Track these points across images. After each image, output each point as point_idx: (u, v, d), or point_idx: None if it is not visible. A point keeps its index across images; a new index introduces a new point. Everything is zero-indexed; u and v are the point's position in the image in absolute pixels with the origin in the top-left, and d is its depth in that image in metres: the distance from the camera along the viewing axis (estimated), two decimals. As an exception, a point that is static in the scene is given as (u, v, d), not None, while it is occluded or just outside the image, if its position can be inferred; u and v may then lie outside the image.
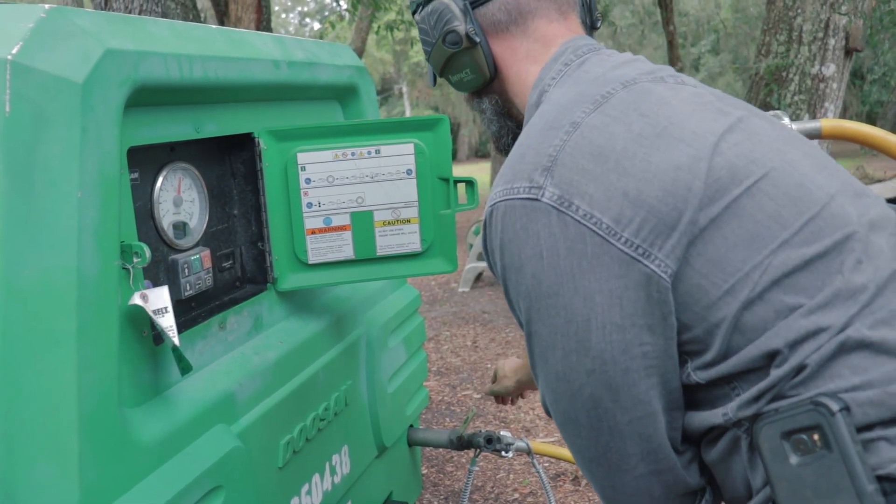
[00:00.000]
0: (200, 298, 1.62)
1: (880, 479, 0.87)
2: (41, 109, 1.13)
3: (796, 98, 5.19)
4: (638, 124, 1.01)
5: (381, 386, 2.11)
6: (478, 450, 2.36)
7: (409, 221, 1.81)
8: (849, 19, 4.95)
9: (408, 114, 27.21)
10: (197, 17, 5.09)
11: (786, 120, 1.88)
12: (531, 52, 1.21)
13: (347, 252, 1.80)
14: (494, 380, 2.08)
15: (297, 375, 1.73)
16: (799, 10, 5.14)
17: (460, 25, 1.21)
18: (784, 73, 5.22)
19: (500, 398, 2.11)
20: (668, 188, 0.95)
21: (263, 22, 5.45)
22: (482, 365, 5.04)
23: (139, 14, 4.67)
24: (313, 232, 1.78)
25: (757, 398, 0.94)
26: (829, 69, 5.08)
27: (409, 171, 1.79)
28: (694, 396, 1.03)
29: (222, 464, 1.39)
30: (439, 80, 1.36)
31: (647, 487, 1.04)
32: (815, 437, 0.88)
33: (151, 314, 1.31)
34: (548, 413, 1.10)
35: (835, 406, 0.88)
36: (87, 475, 1.15)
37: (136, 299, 1.31)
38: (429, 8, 1.25)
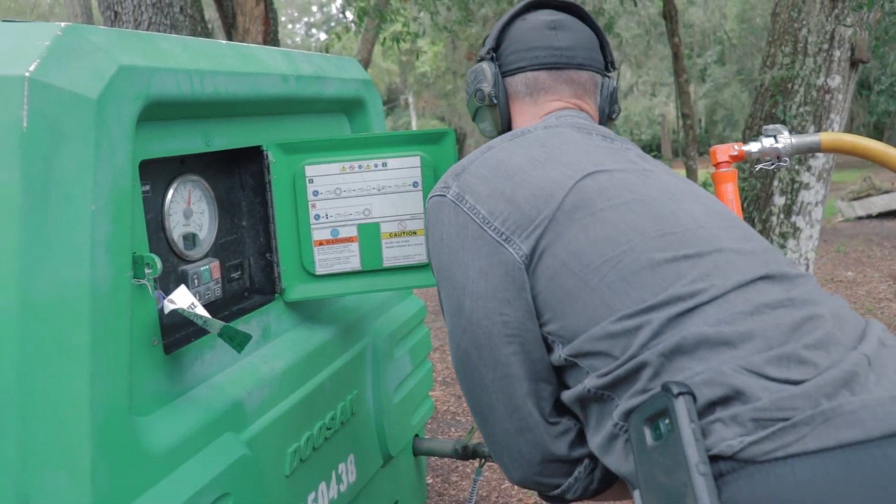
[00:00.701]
0: (209, 308, 1.64)
1: (715, 458, 0.97)
2: (57, 125, 1.16)
3: (801, 110, 5.20)
4: (537, 152, 1.29)
5: (387, 396, 2.13)
6: (483, 460, 2.38)
7: (415, 233, 1.83)
8: (854, 31, 4.97)
9: (414, 124, 27.27)
10: (205, 29, 5.13)
11: (785, 133, 1.90)
12: (533, 116, 1.49)
13: (354, 263, 1.83)
14: None
15: (304, 385, 1.75)
16: (804, 22, 5.16)
17: (488, 87, 1.49)
18: (789, 85, 5.24)
19: None
20: (536, 193, 1.21)
21: (271, 33, 5.49)
22: (488, 375, 5.04)
23: (148, 26, 4.72)
24: (321, 243, 1.80)
25: (604, 375, 1.11)
26: (835, 80, 5.09)
27: (415, 184, 1.81)
28: (564, 376, 1.23)
29: (230, 471, 1.41)
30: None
31: (516, 444, 1.25)
32: (667, 421, 0.98)
33: (189, 311, 1.35)
34: None
35: (675, 389, 0.98)
36: (99, 482, 1.17)
37: (168, 305, 1.34)
38: (475, 66, 1.54)
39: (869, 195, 10.96)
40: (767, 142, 1.90)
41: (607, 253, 1.14)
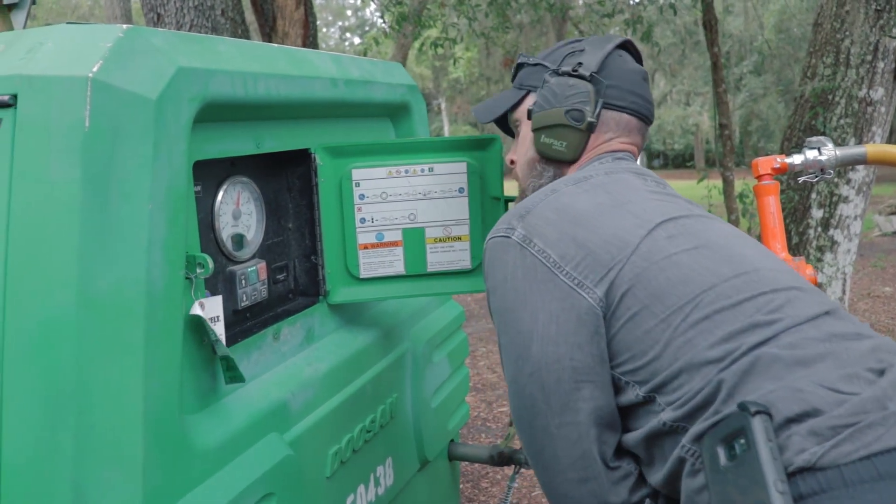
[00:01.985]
0: (255, 309, 1.66)
1: (794, 473, 0.99)
2: (117, 125, 1.18)
3: (842, 122, 5.13)
4: (603, 198, 1.30)
5: (426, 400, 2.14)
6: (518, 466, 2.37)
7: (459, 239, 1.84)
8: (898, 42, 4.89)
9: (446, 129, 27.31)
10: (246, 32, 5.18)
11: (829, 145, 1.88)
12: (597, 150, 1.46)
13: (398, 267, 1.83)
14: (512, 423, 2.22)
15: (346, 387, 1.76)
16: (847, 33, 5.10)
17: (590, 112, 1.43)
18: (830, 97, 5.17)
19: None
20: (608, 239, 1.22)
21: (310, 37, 5.53)
22: (518, 382, 5.04)
23: (189, 29, 4.77)
24: (366, 247, 1.81)
25: (684, 405, 1.13)
26: (878, 93, 5.02)
27: (461, 190, 1.82)
28: (634, 415, 1.23)
29: (275, 472, 1.42)
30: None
31: (577, 494, 1.24)
32: (742, 441, 1.01)
33: (209, 322, 1.35)
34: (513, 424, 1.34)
35: (753, 408, 1.01)
36: (150, 478, 1.19)
37: (196, 309, 1.35)
38: (570, 81, 1.44)
39: (907, 210, 10.80)
40: (811, 154, 1.88)
41: (688, 294, 1.17)
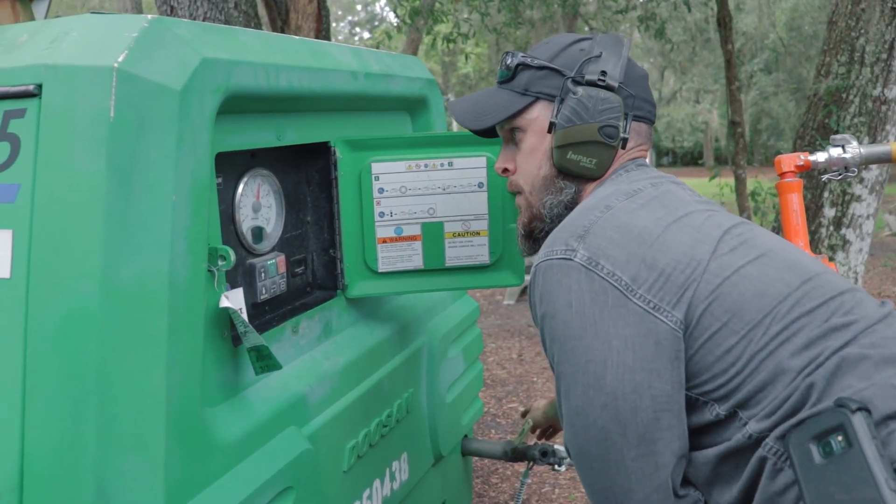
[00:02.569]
0: (274, 302, 1.65)
1: None
2: (142, 115, 1.17)
3: (856, 120, 5.10)
4: (660, 213, 1.24)
5: (440, 395, 2.13)
6: (531, 462, 2.36)
7: (478, 234, 1.83)
8: (914, 41, 4.86)
9: (455, 125, 27.26)
10: (258, 25, 5.17)
11: (853, 143, 1.86)
12: (618, 161, 1.38)
13: (417, 262, 1.83)
14: (524, 415, 2.28)
15: (363, 381, 1.75)
16: (862, 31, 5.06)
17: (622, 127, 1.34)
18: (844, 95, 5.14)
19: (533, 429, 2.27)
20: (678, 258, 1.17)
21: (323, 31, 5.52)
22: (528, 378, 5.03)
23: (202, 21, 4.77)
24: (384, 241, 1.81)
25: (771, 414, 1.11)
26: (892, 91, 4.99)
27: (480, 184, 1.81)
28: (705, 434, 1.19)
29: (294, 466, 1.42)
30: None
31: None
32: (839, 438, 1.00)
33: (237, 315, 1.35)
34: (569, 454, 1.25)
35: (853, 405, 1.00)
36: (172, 470, 1.18)
37: (224, 301, 1.35)
38: (601, 94, 1.33)
39: (918, 209, 10.75)
40: (835, 151, 1.86)
41: (765, 307, 1.15)
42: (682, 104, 25.50)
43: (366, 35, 29.43)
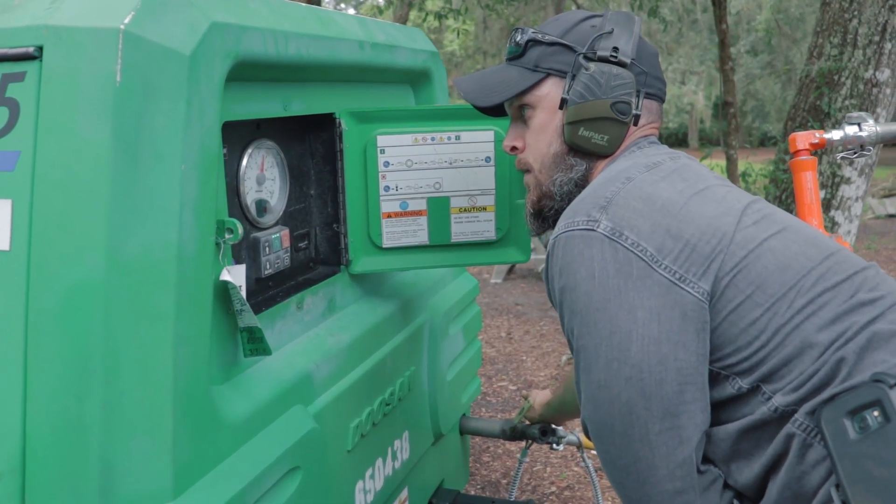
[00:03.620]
0: (277, 278, 1.61)
1: None
2: (150, 80, 1.12)
3: (847, 102, 5.09)
4: (681, 185, 1.22)
5: (441, 373, 2.10)
6: (529, 441, 2.35)
7: (484, 209, 1.79)
8: (908, 23, 4.85)
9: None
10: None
11: (870, 121, 1.84)
12: (630, 138, 1.36)
13: (422, 237, 1.79)
14: (526, 397, 2.31)
15: (367, 359, 1.72)
16: (855, 13, 5.04)
17: (635, 103, 1.32)
18: (836, 77, 5.13)
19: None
20: (703, 229, 1.15)
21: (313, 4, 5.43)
22: (517, 356, 5.02)
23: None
24: (389, 216, 1.76)
25: (798, 387, 1.09)
26: (884, 74, 4.98)
27: (487, 159, 1.77)
28: (726, 409, 1.17)
29: (301, 445, 1.38)
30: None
31: None
32: (876, 413, 0.98)
33: (236, 292, 1.30)
34: (586, 432, 1.22)
35: (892, 379, 0.98)
36: (180, 450, 1.14)
37: (225, 275, 1.30)
38: (614, 70, 1.32)
39: (901, 192, 10.81)
40: (851, 130, 1.83)
41: (789, 280, 1.14)
42: (668, 85, 25.44)
43: (350, 11, 29.14)
